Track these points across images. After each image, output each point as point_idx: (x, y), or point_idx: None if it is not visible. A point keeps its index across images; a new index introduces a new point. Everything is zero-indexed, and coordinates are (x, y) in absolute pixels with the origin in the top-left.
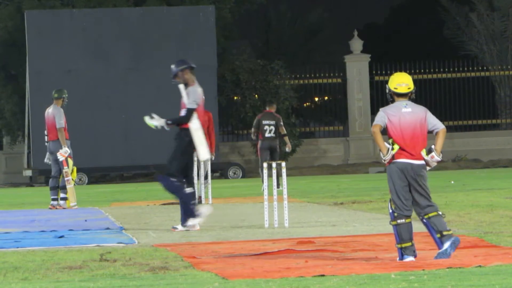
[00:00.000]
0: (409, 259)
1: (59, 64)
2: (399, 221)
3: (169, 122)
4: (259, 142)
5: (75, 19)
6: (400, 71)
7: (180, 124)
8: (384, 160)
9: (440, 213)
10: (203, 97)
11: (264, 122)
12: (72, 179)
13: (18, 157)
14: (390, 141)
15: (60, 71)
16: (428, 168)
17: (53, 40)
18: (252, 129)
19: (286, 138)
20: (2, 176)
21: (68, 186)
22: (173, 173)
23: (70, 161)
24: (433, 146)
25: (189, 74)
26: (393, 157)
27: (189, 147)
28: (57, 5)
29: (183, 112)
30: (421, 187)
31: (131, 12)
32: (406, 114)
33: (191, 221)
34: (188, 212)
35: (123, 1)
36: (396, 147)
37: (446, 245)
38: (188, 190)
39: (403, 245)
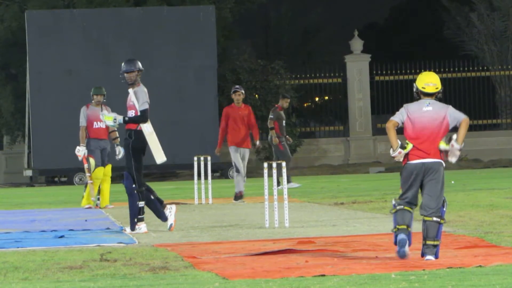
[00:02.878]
0: (401, 236)
1: (59, 64)
2: (398, 207)
3: (126, 119)
4: (281, 138)
5: (75, 19)
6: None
7: (136, 123)
8: (393, 157)
9: (438, 219)
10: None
11: (283, 116)
12: (91, 178)
13: (18, 157)
14: (406, 141)
15: (60, 71)
16: (452, 160)
17: (53, 40)
18: (273, 119)
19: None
20: (2, 176)
21: (88, 182)
22: (134, 178)
23: (92, 161)
24: (454, 136)
25: (136, 76)
26: (407, 158)
27: (136, 152)
28: (59, 5)
29: (139, 113)
30: (429, 186)
31: (131, 12)
32: (425, 113)
33: (129, 229)
34: (131, 221)
35: (123, 1)
36: (409, 146)
37: (426, 257)
38: (140, 204)
39: (398, 227)
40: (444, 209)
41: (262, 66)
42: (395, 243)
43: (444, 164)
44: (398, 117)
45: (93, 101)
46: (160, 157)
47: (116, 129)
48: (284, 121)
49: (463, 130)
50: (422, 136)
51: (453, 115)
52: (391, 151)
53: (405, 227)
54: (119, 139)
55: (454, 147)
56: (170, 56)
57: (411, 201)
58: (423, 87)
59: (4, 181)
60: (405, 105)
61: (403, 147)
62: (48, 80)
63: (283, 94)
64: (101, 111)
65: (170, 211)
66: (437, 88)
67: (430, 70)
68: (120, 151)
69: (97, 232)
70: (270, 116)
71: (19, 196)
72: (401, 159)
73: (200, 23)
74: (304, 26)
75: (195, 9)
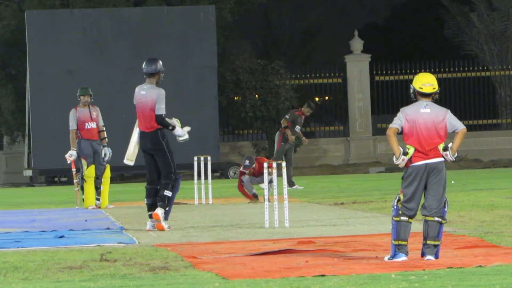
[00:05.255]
0: (402, 258)
1: (59, 64)
2: (402, 218)
3: None
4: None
5: (75, 19)
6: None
7: None
8: (397, 165)
9: (439, 219)
10: (142, 98)
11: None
12: (85, 180)
13: (18, 157)
14: (407, 146)
15: (60, 71)
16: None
17: (53, 40)
18: (288, 119)
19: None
20: (2, 176)
21: (75, 189)
22: None
23: (84, 162)
24: (450, 145)
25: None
26: (410, 161)
27: (141, 150)
28: (57, 5)
29: None
30: (433, 187)
31: (131, 12)
32: (424, 115)
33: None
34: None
35: (123, 1)
36: (411, 151)
37: (426, 257)
38: (145, 200)
39: (400, 243)
40: (446, 209)
41: (262, 66)
42: (393, 256)
43: (444, 160)
44: (397, 122)
45: (80, 102)
46: (126, 157)
47: (104, 129)
48: (298, 127)
49: (458, 140)
50: (421, 137)
51: (451, 122)
52: (394, 159)
53: (405, 243)
54: (106, 139)
55: (448, 157)
56: (170, 56)
57: (415, 214)
58: (420, 87)
59: (4, 181)
60: (401, 109)
61: (405, 153)
62: (48, 80)
63: (310, 104)
64: (89, 111)
65: (153, 226)
66: (434, 88)
67: (430, 70)
68: (106, 153)
69: (97, 232)
70: (286, 116)
71: (19, 196)
72: (404, 165)
73: (200, 23)
74: (304, 26)
75: (195, 9)
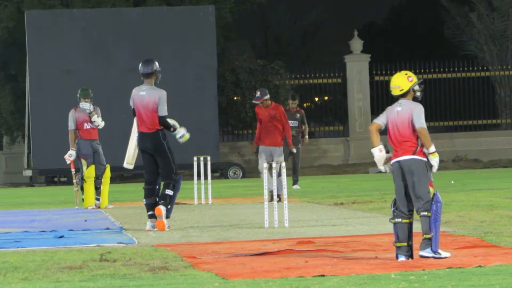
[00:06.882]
0: (401, 259)
1: (59, 64)
2: (396, 219)
3: None
4: None
5: (75, 19)
6: (400, 71)
7: None
8: (373, 154)
9: (425, 213)
10: (142, 99)
11: None
12: (85, 180)
13: (18, 157)
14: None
15: (60, 71)
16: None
17: (53, 40)
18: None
19: None
20: (2, 176)
21: (74, 189)
22: None
23: (84, 162)
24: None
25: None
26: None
27: (140, 151)
28: (56, 5)
29: None
30: (412, 184)
31: (131, 12)
32: (397, 113)
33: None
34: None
35: (122, 1)
36: (391, 149)
37: (421, 252)
38: (143, 200)
39: (397, 244)
40: (434, 202)
41: (262, 66)
42: (397, 257)
43: (419, 158)
44: (381, 119)
45: (80, 104)
46: (125, 161)
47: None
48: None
49: (423, 139)
50: (392, 135)
51: (414, 118)
52: (372, 150)
53: (404, 244)
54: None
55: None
56: (169, 56)
57: (404, 211)
58: (390, 90)
59: (4, 181)
60: (387, 108)
61: (386, 147)
62: (48, 80)
63: (292, 95)
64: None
65: (153, 226)
66: (401, 90)
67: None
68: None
69: (97, 232)
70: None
71: (19, 196)
72: (382, 161)
73: (200, 23)
74: (303, 26)
75: (195, 9)
